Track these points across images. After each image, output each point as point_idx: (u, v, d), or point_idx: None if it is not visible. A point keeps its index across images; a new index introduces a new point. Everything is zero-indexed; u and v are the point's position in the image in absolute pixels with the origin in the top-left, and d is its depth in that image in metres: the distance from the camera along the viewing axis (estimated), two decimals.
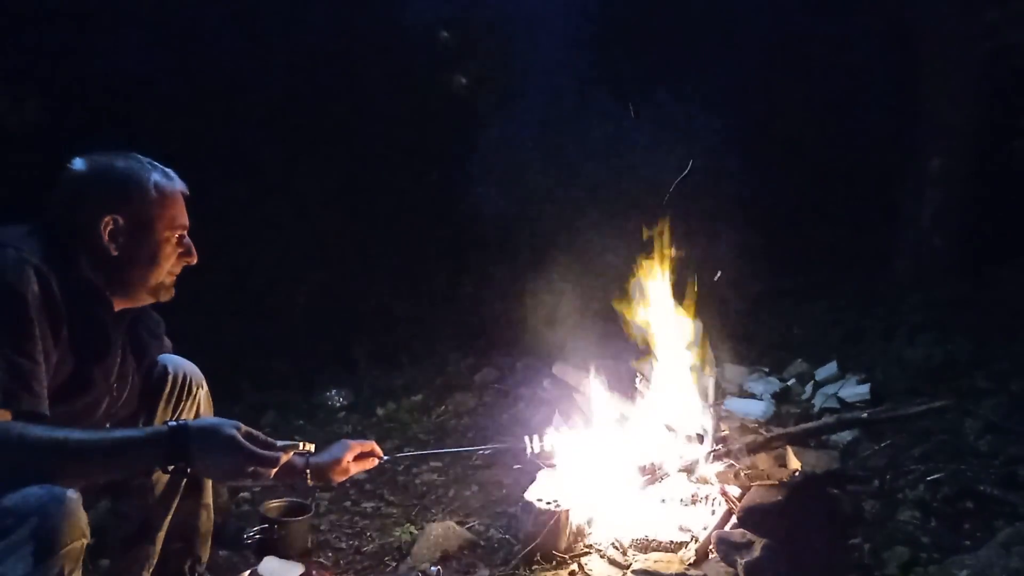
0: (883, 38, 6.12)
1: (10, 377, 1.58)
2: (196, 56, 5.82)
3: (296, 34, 6.24)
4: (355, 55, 6.34)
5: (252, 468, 1.66)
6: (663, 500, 2.88)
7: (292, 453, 1.76)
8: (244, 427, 1.67)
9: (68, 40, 5.52)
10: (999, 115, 5.43)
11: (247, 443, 1.65)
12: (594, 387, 3.24)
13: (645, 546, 2.66)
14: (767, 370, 4.44)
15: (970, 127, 5.60)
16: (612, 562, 2.62)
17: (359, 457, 2.36)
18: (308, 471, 2.23)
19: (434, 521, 3.07)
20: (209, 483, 2.29)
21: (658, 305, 3.35)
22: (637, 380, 3.30)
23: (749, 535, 2.56)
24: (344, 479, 2.36)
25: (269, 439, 1.71)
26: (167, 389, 2.13)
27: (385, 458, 2.44)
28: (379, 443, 3.69)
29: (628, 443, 3.08)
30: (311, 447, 1.86)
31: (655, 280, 3.35)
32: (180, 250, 1.93)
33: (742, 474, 2.87)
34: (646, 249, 3.37)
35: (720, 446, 3.06)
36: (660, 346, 3.31)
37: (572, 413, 3.34)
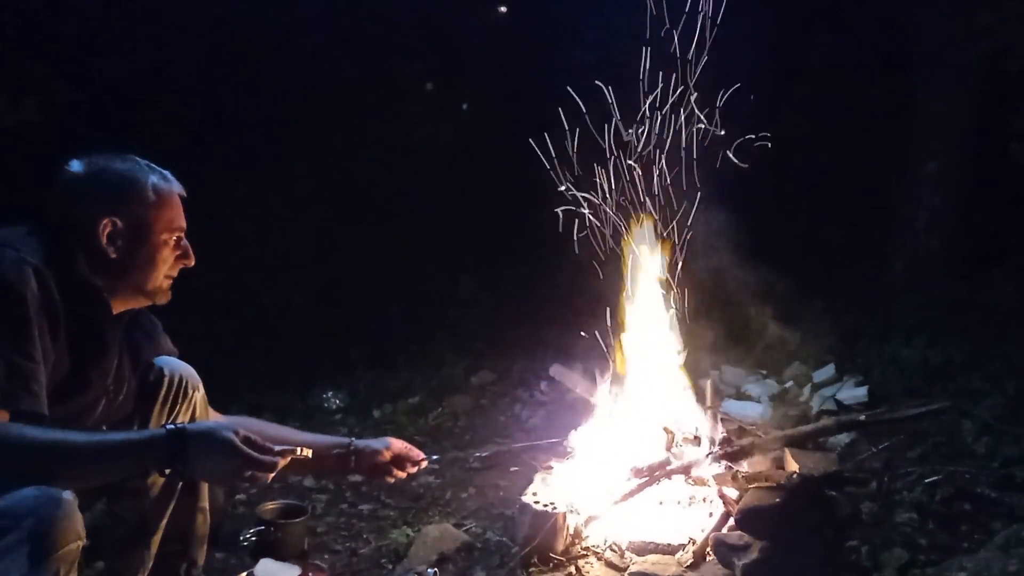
0: (879, 41, 6.14)
1: (9, 377, 1.58)
2: (193, 57, 5.81)
3: (292, 34, 6.24)
4: (352, 55, 6.33)
5: (249, 472, 1.66)
6: (661, 502, 2.88)
7: (290, 457, 1.75)
8: (242, 431, 1.67)
9: (65, 41, 5.51)
10: (994, 118, 5.44)
11: (245, 447, 1.65)
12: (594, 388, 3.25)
13: (642, 548, 2.66)
14: (765, 372, 4.44)
15: (965, 130, 5.61)
16: (609, 564, 2.61)
17: (400, 459, 2.39)
18: (352, 452, 2.29)
19: (431, 523, 3.06)
20: (205, 486, 2.28)
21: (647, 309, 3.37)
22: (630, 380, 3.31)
23: (747, 537, 2.56)
24: (384, 473, 2.37)
25: (266, 443, 1.71)
26: (163, 391, 2.11)
27: (435, 457, 2.48)
28: None
29: (625, 444, 3.08)
30: (308, 452, 1.86)
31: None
32: (178, 252, 1.93)
33: (740, 476, 2.87)
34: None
35: (718, 448, 3.06)
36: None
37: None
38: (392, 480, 2.41)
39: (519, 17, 6.15)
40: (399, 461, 2.38)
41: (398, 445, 2.40)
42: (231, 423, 2.13)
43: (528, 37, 6.10)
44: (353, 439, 2.36)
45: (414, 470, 2.43)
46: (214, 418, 2.26)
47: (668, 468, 2.93)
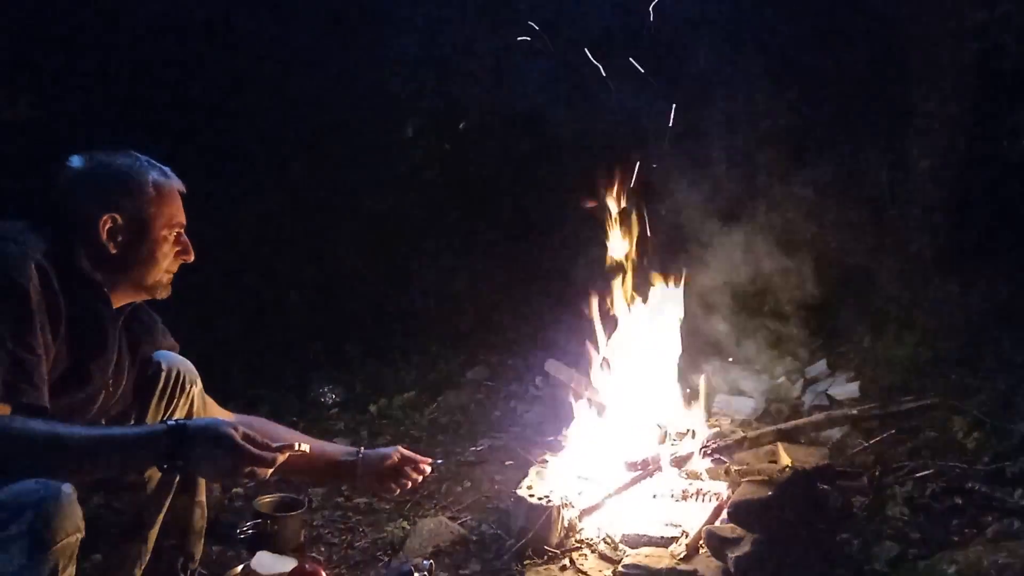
0: (871, 39, 6.14)
1: (11, 370, 1.59)
2: (189, 53, 5.80)
3: (289, 30, 6.22)
4: (349, 52, 6.32)
5: (248, 468, 1.67)
6: (654, 495, 2.90)
7: (288, 454, 1.77)
8: (241, 427, 1.69)
9: (61, 36, 5.49)
10: (987, 116, 5.45)
11: (244, 443, 1.66)
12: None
13: (636, 541, 2.68)
14: (757, 368, 4.46)
15: (959, 128, 5.63)
16: (603, 557, 2.63)
17: (408, 460, 2.30)
18: (360, 460, 2.26)
19: (426, 516, 3.08)
20: (203, 481, 2.30)
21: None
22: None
23: (739, 530, 2.58)
24: (391, 480, 2.29)
25: (265, 440, 1.72)
26: (160, 386, 2.13)
27: (439, 461, 2.48)
28: (372, 440, 3.73)
29: (619, 439, 3.10)
30: (307, 448, 1.87)
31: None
32: (177, 248, 1.95)
33: (732, 470, 2.89)
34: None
35: (711, 442, 3.08)
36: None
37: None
38: (407, 486, 2.30)
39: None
40: (406, 463, 2.29)
41: (405, 451, 2.32)
42: (239, 420, 2.15)
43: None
44: (363, 448, 2.31)
45: (418, 477, 2.32)
46: (219, 415, 2.27)
47: (661, 462, 2.95)
